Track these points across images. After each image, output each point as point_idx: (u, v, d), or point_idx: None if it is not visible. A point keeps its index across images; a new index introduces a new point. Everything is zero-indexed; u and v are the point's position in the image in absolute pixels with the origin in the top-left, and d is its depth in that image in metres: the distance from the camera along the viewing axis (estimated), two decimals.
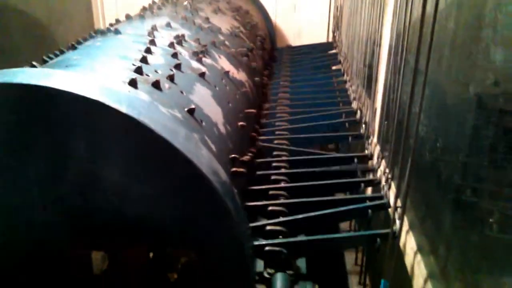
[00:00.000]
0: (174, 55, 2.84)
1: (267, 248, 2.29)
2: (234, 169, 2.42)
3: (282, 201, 2.65)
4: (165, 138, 1.92)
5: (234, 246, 2.15)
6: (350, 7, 4.78)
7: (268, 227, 2.41)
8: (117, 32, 3.10)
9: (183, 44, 3.17)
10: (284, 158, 3.17)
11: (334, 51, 5.79)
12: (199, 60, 3.03)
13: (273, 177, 2.89)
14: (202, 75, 2.83)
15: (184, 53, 3.03)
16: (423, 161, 2.24)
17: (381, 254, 2.48)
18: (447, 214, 1.97)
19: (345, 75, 4.75)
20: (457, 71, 1.95)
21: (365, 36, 3.72)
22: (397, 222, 2.32)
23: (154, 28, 3.23)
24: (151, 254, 2.24)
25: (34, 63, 2.34)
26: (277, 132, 3.59)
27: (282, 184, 2.82)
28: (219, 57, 3.46)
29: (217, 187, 2.02)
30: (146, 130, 1.91)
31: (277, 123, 3.78)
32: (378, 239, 2.40)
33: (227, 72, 3.25)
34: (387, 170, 2.69)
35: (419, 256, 2.17)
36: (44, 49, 5.80)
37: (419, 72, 2.01)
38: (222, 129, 2.56)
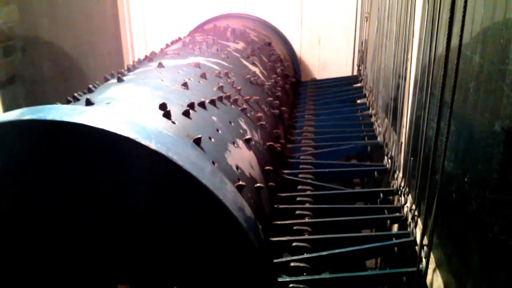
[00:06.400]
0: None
1: (291, 285, 2.26)
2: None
3: (306, 237, 2.62)
4: (192, 174, 1.95)
5: (258, 282, 2.13)
6: (375, 41, 4.80)
7: (292, 264, 2.38)
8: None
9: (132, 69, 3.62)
10: (308, 192, 3.15)
11: (359, 84, 5.79)
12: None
13: (297, 212, 2.87)
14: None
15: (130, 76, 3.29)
16: (450, 197, 2.20)
17: None
18: (475, 252, 1.92)
19: (370, 109, 4.74)
20: (483, 105, 1.93)
21: (390, 70, 3.72)
22: (424, 260, 2.27)
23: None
24: None
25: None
26: (301, 166, 3.57)
27: (307, 220, 2.80)
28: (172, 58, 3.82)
29: (242, 223, 2.02)
30: (174, 166, 1.94)
31: (301, 157, 3.78)
32: (404, 278, 2.35)
33: (179, 65, 3.54)
34: (413, 207, 2.64)
35: None
36: (73, 80, 5.96)
37: (445, 106, 1.99)
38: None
